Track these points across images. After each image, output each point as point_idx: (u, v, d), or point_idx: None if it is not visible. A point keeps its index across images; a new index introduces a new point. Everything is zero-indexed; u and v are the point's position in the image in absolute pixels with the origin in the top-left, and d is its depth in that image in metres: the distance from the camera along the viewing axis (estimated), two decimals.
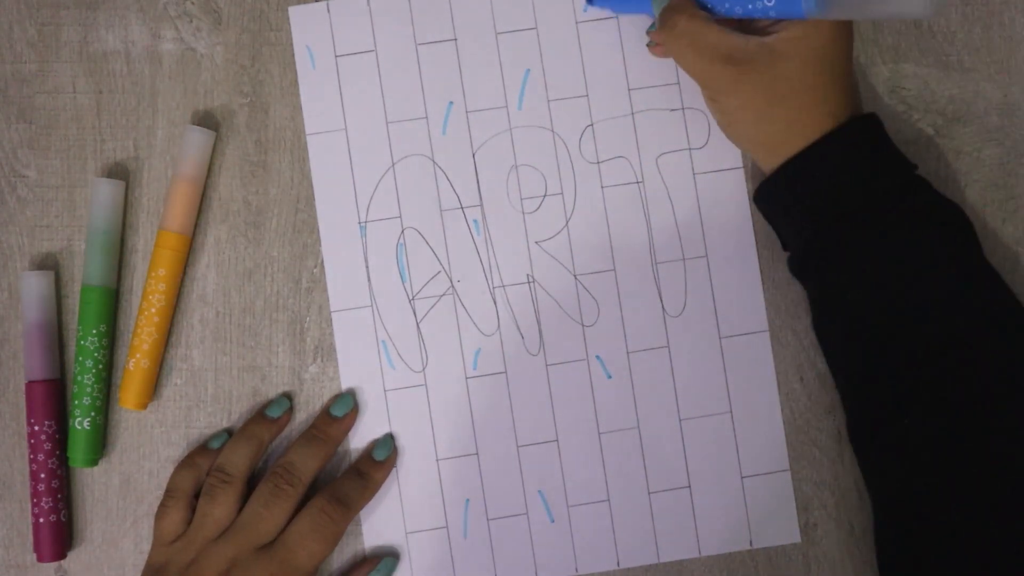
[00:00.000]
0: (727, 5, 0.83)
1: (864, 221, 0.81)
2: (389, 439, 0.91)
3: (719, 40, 0.82)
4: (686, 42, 0.83)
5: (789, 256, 0.87)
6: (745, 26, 0.84)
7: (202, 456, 0.89)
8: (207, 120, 0.92)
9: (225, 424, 0.91)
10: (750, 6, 0.81)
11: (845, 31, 0.82)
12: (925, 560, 0.79)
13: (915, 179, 0.83)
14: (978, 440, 0.78)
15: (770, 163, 0.85)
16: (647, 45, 0.91)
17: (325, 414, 0.90)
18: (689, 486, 0.91)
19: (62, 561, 0.90)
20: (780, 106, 0.82)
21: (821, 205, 0.82)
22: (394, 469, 0.91)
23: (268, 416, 0.89)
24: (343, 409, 0.90)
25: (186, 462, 0.89)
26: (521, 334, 0.91)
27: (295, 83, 0.92)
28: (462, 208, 0.92)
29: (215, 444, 0.89)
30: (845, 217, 0.81)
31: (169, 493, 0.88)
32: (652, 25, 0.89)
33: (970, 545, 0.77)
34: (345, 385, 0.91)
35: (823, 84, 0.81)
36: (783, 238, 0.88)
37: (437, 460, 0.91)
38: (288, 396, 0.91)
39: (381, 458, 0.90)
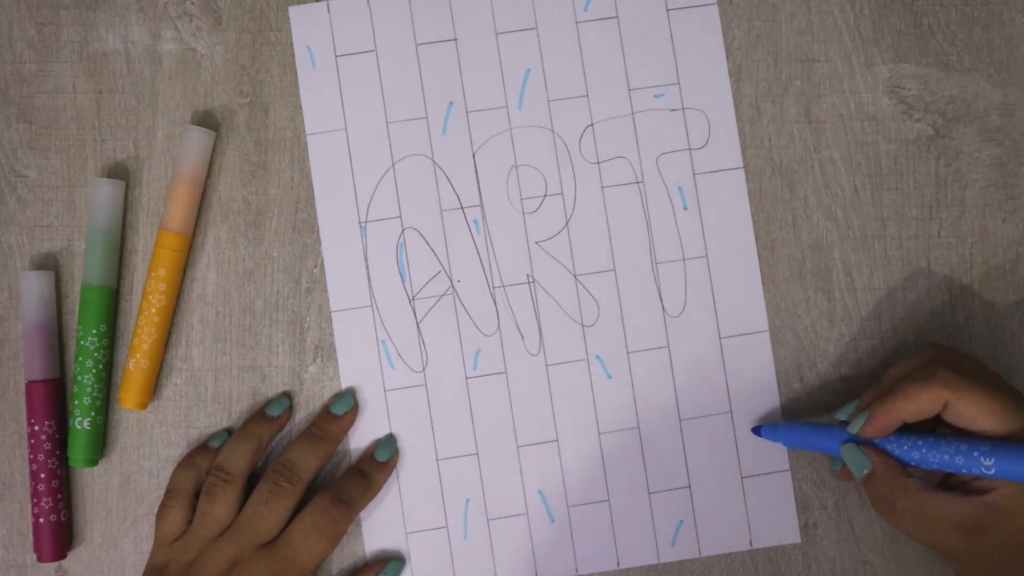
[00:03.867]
0: (936, 463, 0.81)
1: None
2: (391, 440, 0.91)
3: (942, 509, 0.79)
4: (909, 519, 0.80)
5: None
6: (949, 476, 0.84)
7: (202, 455, 0.89)
8: (207, 120, 0.92)
9: (225, 424, 0.91)
10: (964, 469, 0.79)
11: None
12: None
13: None
14: None
15: None
16: (831, 470, 0.90)
17: (325, 412, 0.90)
18: (689, 486, 0.91)
19: (62, 561, 0.90)
20: (1019, 556, 0.79)
21: None
22: (395, 469, 0.91)
23: (268, 415, 0.89)
24: (343, 408, 0.90)
25: (186, 461, 0.89)
26: (521, 334, 0.91)
27: (295, 83, 0.92)
28: (462, 208, 0.92)
29: (215, 443, 0.89)
30: None
31: (169, 493, 0.88)
32: (835, 463, 0.88)
33: None
34: (345, 385, 0.91)
35: None
36: None
37: (437, 460, 0.91)
38: (288, 395, 0.91)
39: (383, 459, 0.90)
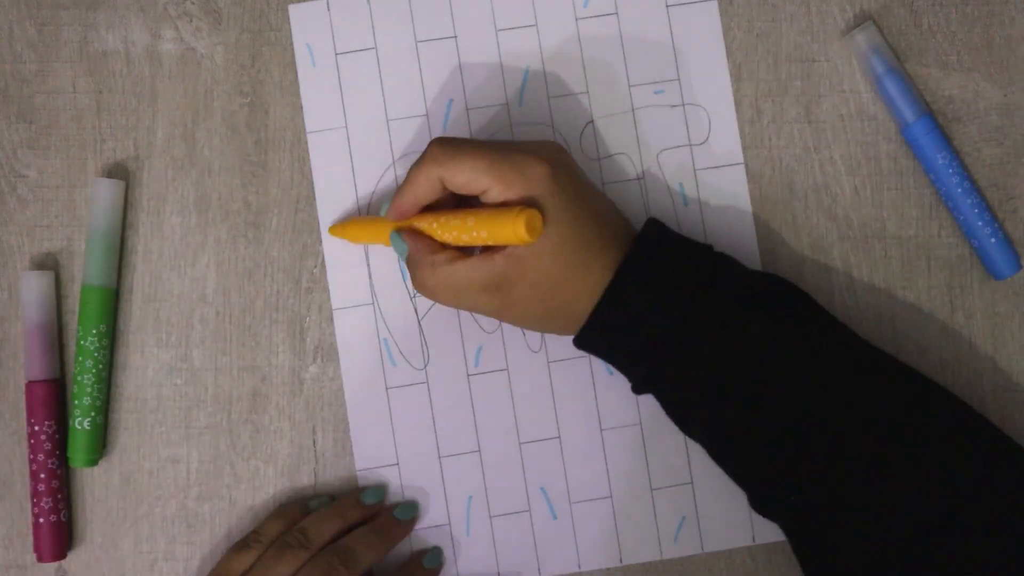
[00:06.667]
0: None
1: (689, 333, 0.81)
2: (414, 504, 0.91)
3: (469, 274, 0.81)
4: (443, 291, 0.83)
5: (632, 384, 0.86)
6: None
7: (297, 512, 0.89)
8: (207, 120, 0.92)
9: (225, 423, 0.91)
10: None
11: (577, 201, 0.82)
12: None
13: (715, 264, 0.83)
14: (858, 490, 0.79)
15: (571, 331, 0.84)
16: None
17: (390, 514, 0.90)
18: (691, 482, 0.91)
19: (62, 561, 0.90)
20: (555, 296, 0.81)
21: (642, 338, 0.82)
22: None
23: (363, 501, 0.89)
24: (408, 514, 0.90)
25: (281, 512, 0.89)
26: (523, 331, 0.91)
27: (295, 83, 0.92)
28: None
29: (313, 504, 0.89)
30: (670, 334, 0.81)
31: (256, 535, 0.87)
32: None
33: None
34: (346, 382, 0.91)
35: (583, 255, 0.81)
36: (618, 367, 0.86)
37: (439, 457, 0.91)
38: (383, 486, 0.91)
39: (403, 518, 0.90)
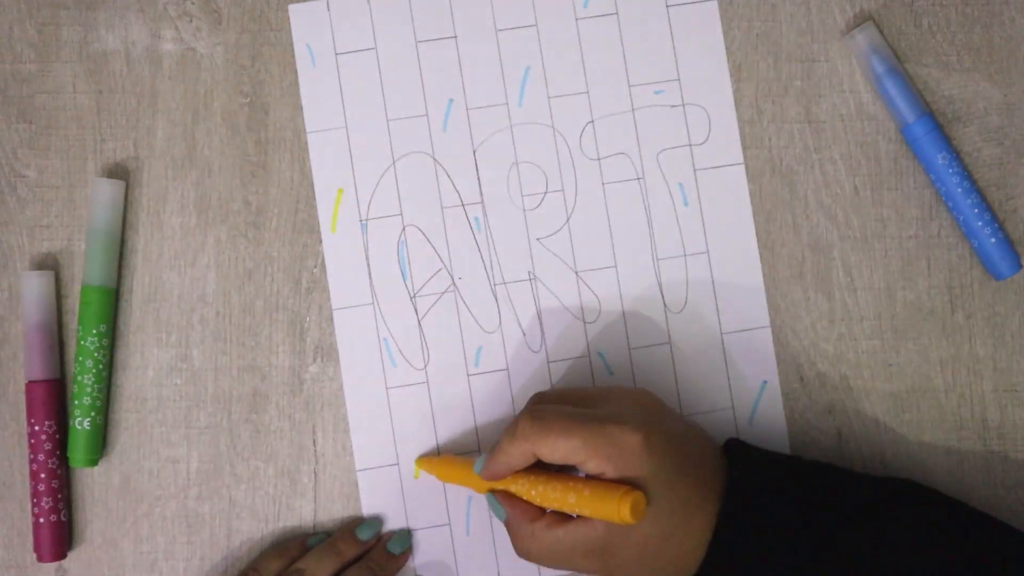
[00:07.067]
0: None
1: (812, 557, 0.80)
2: (406, 534, 0.91)
3: (572, 540, 0.80)
4: (546, 558, 0.82)
5: None
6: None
7: (294, 548, 0.89)
8: (207, 120, 0.92)
9: (225, 423, 0.91)
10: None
11: (673, 464, 0.80)
12: None
13: (816, 474, 0.83)
14: None
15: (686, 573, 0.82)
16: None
17: (383, 550, 0.90)
18: None
19: (62, 561, 0.90)
20: (660, 554, 0.80)
21: (764, 569, 0.80)
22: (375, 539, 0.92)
23: (358, 537, 0.89)
24: (401, 547, 0.90)
25: (279, 548, 0.90)
26: (523, 331, 0.91)
27: (295, 83, 0.92)
28: (463, 205, 0.92)
29: (311, 542, 0.90)
30: (791, 563, 0.80)
31: (255, 572, 0.88)
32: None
33: None
34: (346, 382, 0.91)
35: (681, 515, 0.80)
36: None
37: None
38: (379, 521, 0.91)
39: (396, 552, 0.90)
